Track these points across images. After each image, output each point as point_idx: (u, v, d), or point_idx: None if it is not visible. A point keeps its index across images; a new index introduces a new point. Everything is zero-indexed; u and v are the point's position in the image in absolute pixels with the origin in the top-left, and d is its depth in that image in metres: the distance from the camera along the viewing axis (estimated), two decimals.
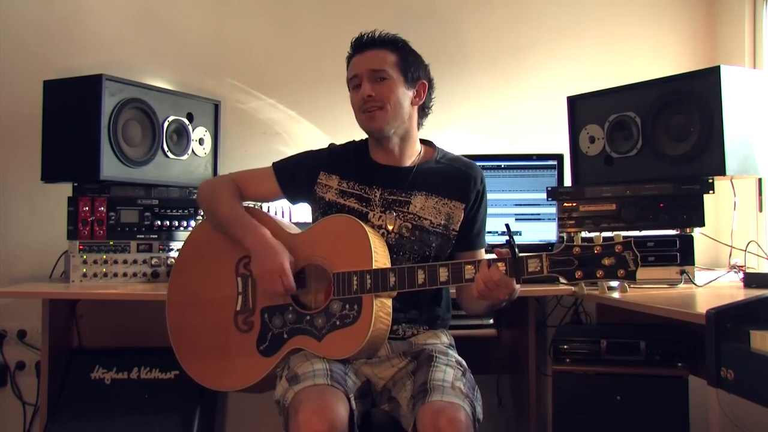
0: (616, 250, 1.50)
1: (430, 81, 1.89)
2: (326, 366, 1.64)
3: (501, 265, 1.56)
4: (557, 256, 1.53)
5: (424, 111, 1.89)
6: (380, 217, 1.80)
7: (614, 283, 2.06)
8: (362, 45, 1.82)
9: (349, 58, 1.86)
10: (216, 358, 1.81)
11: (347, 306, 1.67)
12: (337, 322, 1.67)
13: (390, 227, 1.79)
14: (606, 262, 1.50)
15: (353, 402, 1.58)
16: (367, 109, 1.78)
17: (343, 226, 1.75)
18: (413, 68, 1.83)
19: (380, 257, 1.69)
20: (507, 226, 1.59)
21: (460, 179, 1.85)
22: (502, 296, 1.58)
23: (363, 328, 1.63)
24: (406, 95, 1.80)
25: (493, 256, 1.59)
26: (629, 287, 1.54)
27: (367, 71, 1.78)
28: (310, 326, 1.70)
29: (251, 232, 1.79)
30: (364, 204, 1.82)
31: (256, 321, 1.78)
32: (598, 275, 1.51)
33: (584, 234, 2.24)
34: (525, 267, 1.54)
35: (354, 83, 1.82)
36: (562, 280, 1.59)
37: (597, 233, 1.58)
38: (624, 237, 1.52)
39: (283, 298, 1.74)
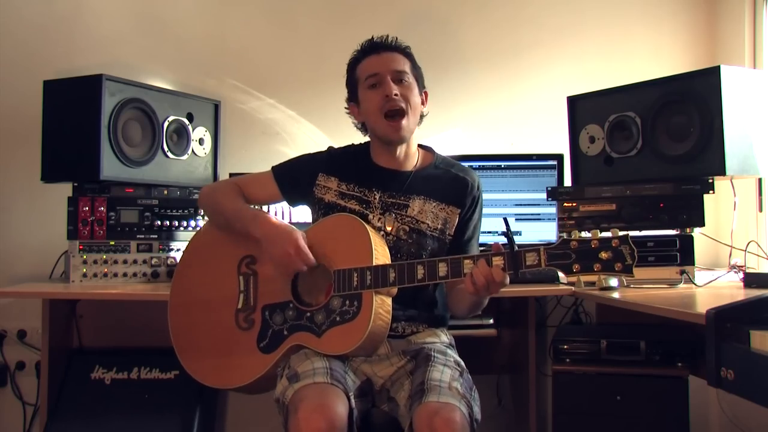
0: (613, 245, 1.51)
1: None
2: (326, 364, 1.64)
3: (499, 259, 1.58)
4: (555, 250, 1.55)
5: (421, 119, 1.90)
6: (380, 218, 1.81)
7: (613, 283, 2.07)
8: (378, 47, 1.83)
9: (357, 60, 1.85)
10: (216, 357, 1.81)
11: (347, 302, 1.67)
12: (337, 318, 1.67)
13: (389, 228, 1.80)
14: (603, 255, 1.52)
15: (353, 401, 1.59)
16: (392, 114, 1.77)
17: (344, 225, 1.76)
18: (420, 75, 1.87)
19: (380, 255, 1.70)
20: (505, 219, 1.60)
21: (456, 185, 1.87)
22: (494, 292, 1.61)
23: (362, 323, 1.64)
24: (419, 99, 1.84)
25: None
26: (626, 281, 1.55)
27: (391, 71, 1.79)
28: (310, 323, 1.70)
29: (257, 221, 1.80)
30: (364, 206, 1.82)
31: (257, 319, 1.78)
32: (595, 269, 1.53)
33: (584, 234, 2.23)
34: (523, 260, 1.56)
35: (371, 82, 1.80)
36: (560, 273, 1.60)
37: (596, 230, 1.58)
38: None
39: (284, 295, 1.75)
